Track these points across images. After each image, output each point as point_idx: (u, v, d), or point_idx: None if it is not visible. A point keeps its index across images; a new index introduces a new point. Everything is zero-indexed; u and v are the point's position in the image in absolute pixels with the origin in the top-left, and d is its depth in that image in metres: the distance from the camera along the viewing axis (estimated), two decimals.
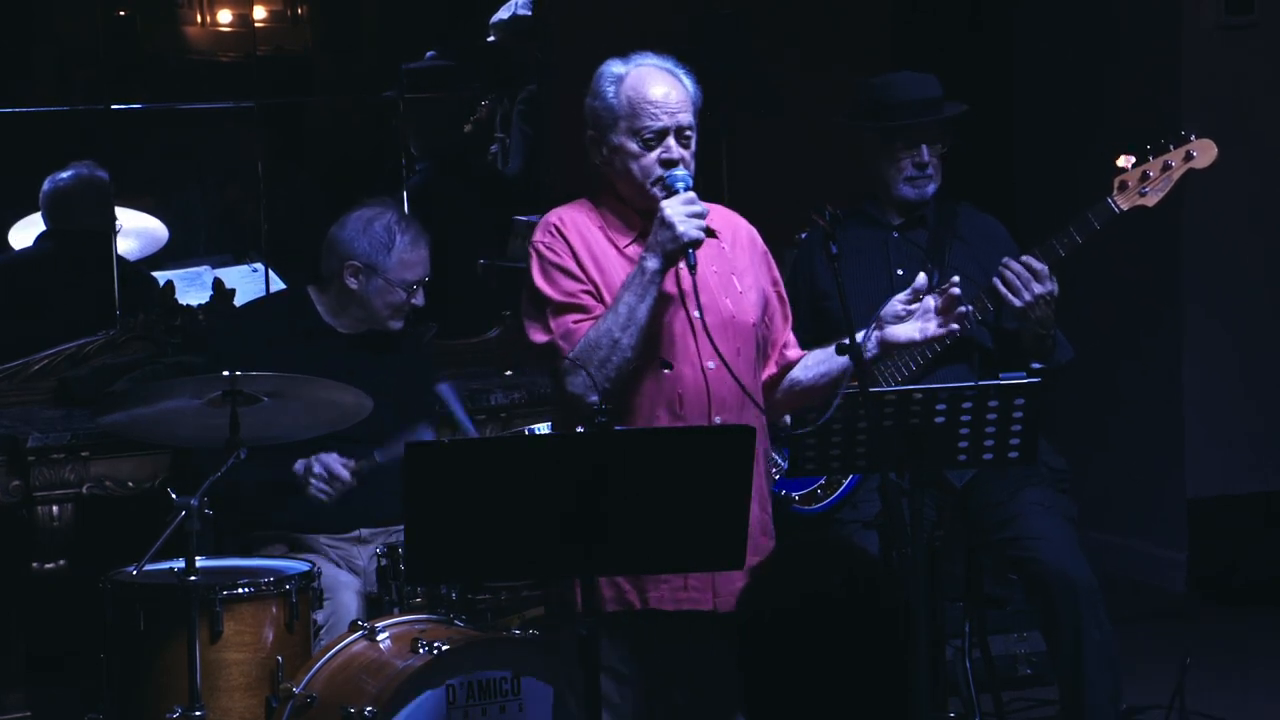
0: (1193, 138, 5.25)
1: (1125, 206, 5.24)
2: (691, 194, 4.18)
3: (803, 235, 5.99)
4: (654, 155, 4.22)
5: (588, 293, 4.23)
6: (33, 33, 6.62)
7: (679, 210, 4.14)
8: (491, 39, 6.93)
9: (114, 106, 6.43)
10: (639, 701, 4.18)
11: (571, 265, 4.24)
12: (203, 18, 6.82)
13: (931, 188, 5.41)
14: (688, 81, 4.28)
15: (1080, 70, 7.76)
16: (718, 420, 4.19)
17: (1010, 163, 8.05)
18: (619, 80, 4.25)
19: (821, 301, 5.42)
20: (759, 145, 7.27)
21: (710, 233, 4.25)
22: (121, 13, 6.69)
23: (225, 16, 6.81)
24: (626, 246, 4.28)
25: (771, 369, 4.43)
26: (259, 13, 6.82)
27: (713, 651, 4.23)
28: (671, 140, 4.22)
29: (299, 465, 5.23)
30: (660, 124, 4.21)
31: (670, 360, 4.20)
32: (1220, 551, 7.32)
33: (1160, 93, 7.41)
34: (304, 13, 6.99)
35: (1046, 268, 5.14)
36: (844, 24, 7.58)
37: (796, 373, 4.44)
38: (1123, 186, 5.24)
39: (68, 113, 6.58)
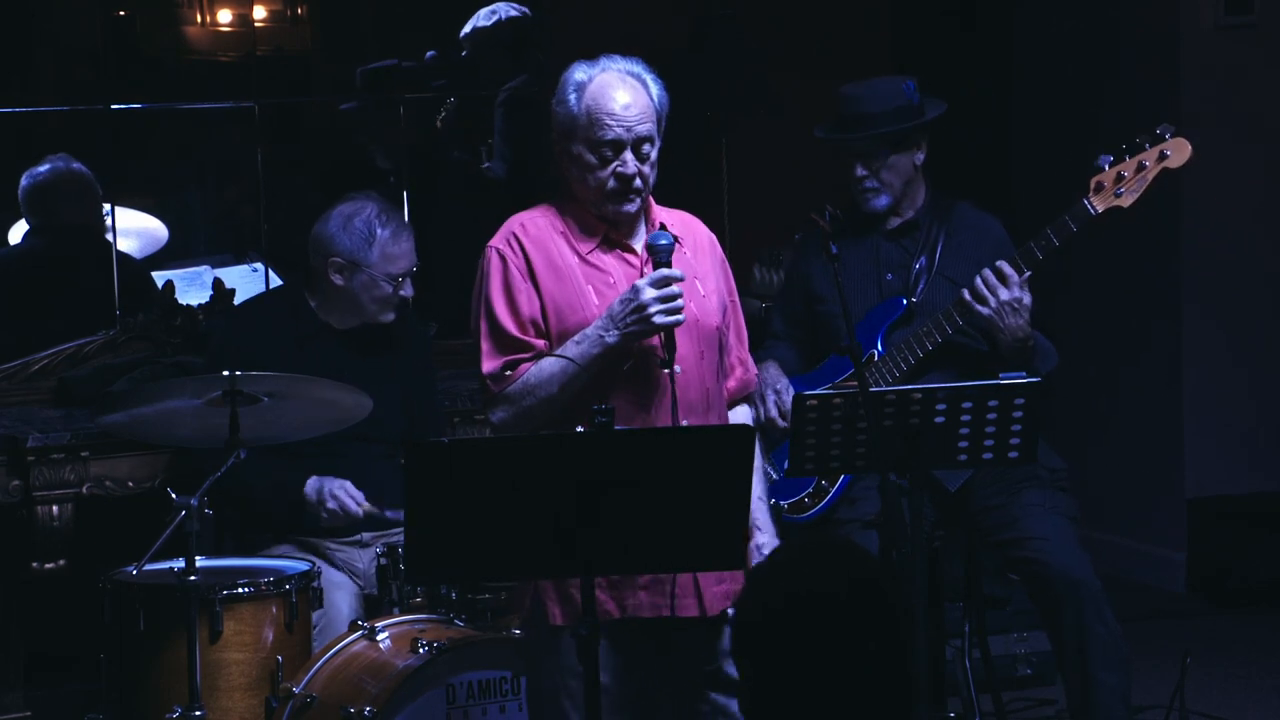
0: (1167, 136, 5.24)
1: (1101, 208, 5.23)
2: (664, 271, 4.11)
3: (798, 236, 5.98)
4: (609, 170, 4.20)
5: (538, 328, 4.21)
6: (33, 33, 6.63)
7: (651, 294, 4.10)
8: (464, 54, 6.89)
9: (114, 106, 6.44)
10: (613, 707, 4.15)
11: (525, 285, 4.22)
12: (203, 18, 6.83)
13: (881, 200, 5.36)
14: (654, 89, 4.25)
15: (1079, 70, 7.77)
16: (684, 424, 4.18)
17: (1008, 163, 8.06)
18: (581, 87, 4.22)
19: (816, 305, 5.41)
20: (758, 146, 7.28)
21: (674, 239, 4.24)
22: (121, 13, 6.70)
23: (225, 16, 6.82)
24: (589, 253, 4.26)
25: (731, 384, 4.43)
26: (259, 13, 6.83)
27: (689, 656, 4.25)
28: (628, 154, 4.19)
29: (311, 489, 5.24)
30: (615, 135, 4.19)
31: (635, 364, 4.18)
32: (1219, 552, 7.32)
33: (1159, 93, 7.41)
34: (304, 13, 7.00)
35: (1016, 275, 5.13)
36: (843, 25, 7.59)
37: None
38: (1099, 188, 5.24)
39: (68, 113, 6.59)
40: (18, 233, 6.40)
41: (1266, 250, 7.45)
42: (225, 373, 4.69)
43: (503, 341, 4.23)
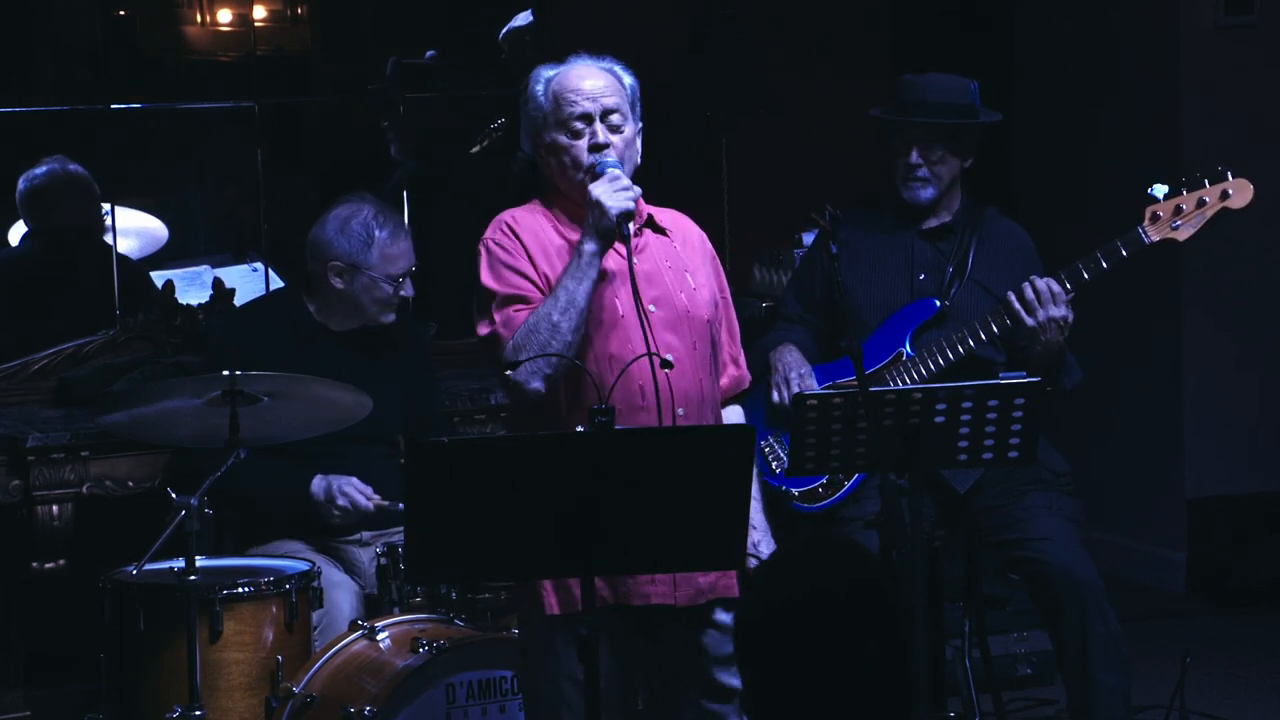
0: (1229, 176, 5.23)
1: (1156, 238, 5.21)
2: (617, 173, 4.18)
3: (807, 236, 5.98)
4: (583, 142, 4.24)
5: (533, 283, 4.23)
6: (33, 33, 6.63)
7: (605, 188, 4.16)
8: (503, 55, 6.91)
9: (114, 106, 6.44)
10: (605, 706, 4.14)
11: (522, 262, 4.25)
12: (203, 18, 6.83)
13: (926, 192, 5.36)
14: (622, 73, 4.32)
15: (1079, 70, 7.77)
16: (680, 413, 4.19)
17: (1008, 163, 8.05)
18: (548, 81, 4.30)
19: (838, 294, 5.38)
20: (758, 146, 7.28)
21: (656, 228, 4.28)
22: (121, 13, 6.70)
23: (225, 16, 6.83)
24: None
25: (724, 381, 4.43)
26: (259, 13, 6.83)
27: (675, 649, 4.26)
28: (598, 125, 4.24)
29: (318, 488, 5.23)
30: (582, 109, 4.24)
31: (625, 355, 4.18)
32: (1219, 552, 7.32)
33: (1159, 93, 7.41)
34: (304, 13, 7.01)
35: (1064, 293, 5.14)
36: (843, 25, 7.59)
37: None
38: (1154, 218, 5.21)
39: (68, 113, 6.59)
40: (17, 234, 6.40)
41: (1267, 251, 7.45)
42: (225, 372, 4.69)
43: (495, 300, 4.24)
